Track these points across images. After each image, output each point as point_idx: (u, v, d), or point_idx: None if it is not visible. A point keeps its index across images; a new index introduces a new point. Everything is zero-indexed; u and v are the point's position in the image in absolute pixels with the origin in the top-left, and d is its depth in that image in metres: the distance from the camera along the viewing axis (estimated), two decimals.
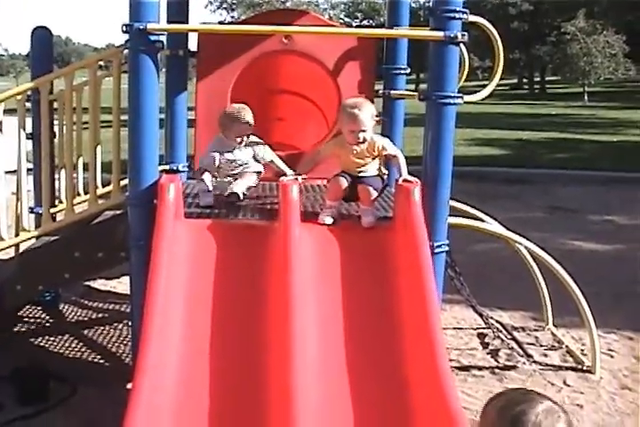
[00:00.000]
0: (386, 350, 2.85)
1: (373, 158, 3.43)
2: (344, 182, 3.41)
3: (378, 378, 2.76)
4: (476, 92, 3.78)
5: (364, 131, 3.33)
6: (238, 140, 3.63)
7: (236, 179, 3.70)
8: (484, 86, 3.82)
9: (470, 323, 5.16)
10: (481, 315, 4.64)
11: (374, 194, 3.41)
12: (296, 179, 3.36)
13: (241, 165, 3.70)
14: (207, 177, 3.64)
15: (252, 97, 4.10)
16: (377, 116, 3.40)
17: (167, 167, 4.11)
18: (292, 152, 4.30)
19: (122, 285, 5.74)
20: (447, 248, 3.51)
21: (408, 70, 4.46)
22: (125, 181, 3.61)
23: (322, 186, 4.03)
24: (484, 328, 4.89)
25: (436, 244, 3.40)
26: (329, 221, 3.36)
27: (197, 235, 3.28)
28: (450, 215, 3.58)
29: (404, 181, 3.34)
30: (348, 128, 3.34)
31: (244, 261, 3.20)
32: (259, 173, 3.76)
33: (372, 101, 4.21)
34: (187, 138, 4.22)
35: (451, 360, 4.36)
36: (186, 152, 4.24)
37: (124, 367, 4.14)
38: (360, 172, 3.44)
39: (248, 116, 3.61)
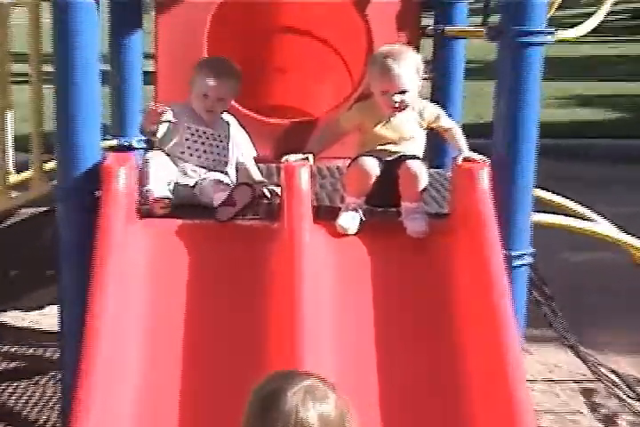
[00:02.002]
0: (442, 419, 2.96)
1: (414, 135, 3.50)
2: (374, 167, 3.40)
3: None
4: (574, 24, 3.84)
5: (403, 92, 3.37)
6: (206, 115, 3.65)
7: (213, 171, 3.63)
8: (587, 16, 3.91)
9: (569, 372, 5.12)
10: (585, 360, 4.62)
11: (424, 183, 3.42)
12: (305, 159, 3.40)
13: (221, 148, 3.69)
14: (158, 162, 3.56)
15: (239, 38, 4.19)
16: (424, 70, 3.47)
17: (114, 143, 4.14)
18: (299, 120, 4.34)
19: (47, 318, 5.59)
20: (531, 260, 3.55)
21: None
22: (51, 164, 3.66)
23: (343, 168, 4.03)
24: (590, 381, 4.87)
25: (514, 253, 3.45)
26: (350, 227, 3.38)
27: (161, 243, 3.33)
28: (534, 211, 3.61)
29: (465, 160, 3.39)
30: (381, 88, 3.40)
31: (231, 280, 3.25)
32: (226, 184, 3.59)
33: (418, 47, 4.28)
34: (142, 100, 4.24)
35: None
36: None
37: None
38: (395, 152, 3.47)
39: (229, 79, 3.62)
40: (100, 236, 3.09)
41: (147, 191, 3.42)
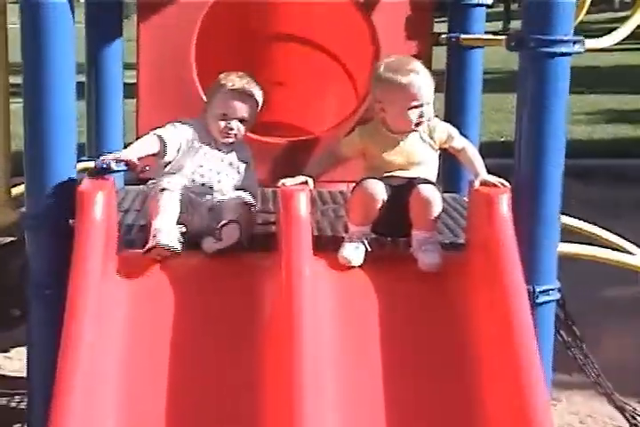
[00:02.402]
0: None
1: (426, 158, 3.47)
2: (380, 192, 3.38)
3: None
4: (605, 32, 3.76)
5: (423, 105, 3.38)
6: (223, 139, 3.58)
7: (212, 210, 3.54)
8: (620, 20, 3.94)
9: (604, 423, 5.07)
10: (623, 410, 4.57)
11: (438, 210, 3.40)
12: (305, 183, 3.38)
13: (237, 178, 3.65)
14: (174, 196, 3.45)
15: (231, 46, 4.20)
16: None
17: (91, 164, 4.00)
18: (298, 139, 4.32)
19: (13, 363, 5.59)
20: (558, 296, 3.54)
21: (490, 0, 4.50)
22: (20, 189, 3.63)
23: (346, 193, 4.08)
24: None
25: (538, 289, 3.43)
26: (355, 258, 3.37)
27: (144, 279, 3.31)
28: (562, 240, 3.60)
29: (483, 184, 3.37)
30: (402, 104, 3.38)
31: (221, 320, 3.23)
32: (250, 205, 3.62)
33: (431, 56, 4.31)
34: (123, 115, 4.23)
35: None
36: (122, 139, 4.24)
37: None
38: (405, 178, 3.45)
39: (256, 95, 3.58)
40: (75, 270, 3.05)
41: (155, 230, 3.33)
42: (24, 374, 3.52)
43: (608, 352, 5.04)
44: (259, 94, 3.58)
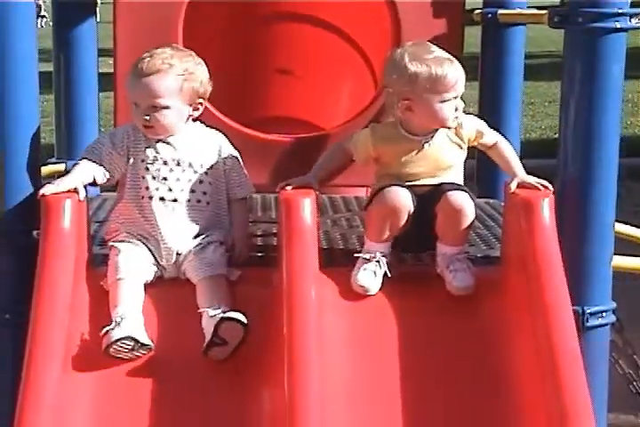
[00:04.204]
0: None
1: (454, 161, 3.44)
2: (406, 203, 3.32)
3: None
4: None
5: (457, 97, 3.33)
6: (148, 135, 3.42)
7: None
8: None
9: None
10: None
11: (469, 220, 3.34)
12: (310, 187, 3.36)
13: (194, 179, 3.47)
14: (131, 255, 3.39)
15: (228, 29, 4.15)
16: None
17: (60, 167, 4.08)
18: (306, 135, 4.25)
19: None
20: (614, 318, 3.52)
21: None
22: None
23: (362, 199, 4.06)
24: None
25: (588, 310, 3.43)
26: (372, 286, 3.31)
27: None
28: (617, 253, 3.56)
29: (522, 186, 3.31)
30: (436, 98, 3.31)
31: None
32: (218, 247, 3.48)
33: (463, 37, 4.25)
34: (98, 110, 4.20)
35: None
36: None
37: None
38: (431, 185, 3.40)
39: (167, 65, 3.35)
40: (38, 290, 3.05)
41: (116, 321, 3.19)
42: None
43: None
44: (179, 67, 3.34)
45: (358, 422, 3.05)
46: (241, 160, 3.51)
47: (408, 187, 3.36)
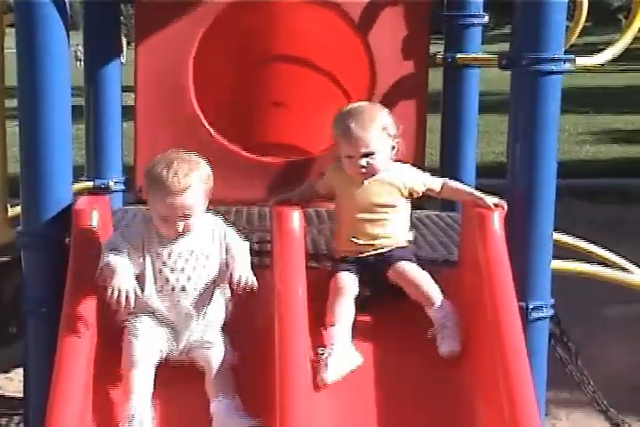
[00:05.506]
0: None
1: (395, 203, 3.56)
2: (350, 286, 3.46)
3: None
4: (597, 51, 3.92)
5: (369, 155, 3.46)
6: (166, 228, 3.31)
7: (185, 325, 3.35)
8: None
9: None
10: (618, 426, 4.70)
11: (428, 281, 3.47)
12: (292, 202, 3.53)
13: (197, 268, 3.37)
14: (144, 360, 3.26)
15: (230, 67, 4.30)
16: (397, 127, 3.55)
17: (89, 184, 4.30)
18: (295, 159, 4.50)
19: (13, 383, 5.73)
20: (552, 312, 3.70)
21: (486, 19, 4.68)
22: (17, 209, 3.76)
23: None
24: None
25: (531, 305, 3.62)
26: (329, 377, 3.27)
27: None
28: (555, 257, 3.76)
29: (474, 203, 3.50)
30: (346, 152, 3.49)
31: None
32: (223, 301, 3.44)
33: (427, 77, 4.40)
34: (121, 137, 4.37)
35: None
36: (120, 160, 4.44)
37: None
38: (376, 247, 3.55)
39: (192, 179, 3.25)
40: (69, 288, 3.19)
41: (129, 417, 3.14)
42: (22, 395, 3.65)
43: (604, 369, 5.21)
44: (196, 178, 3.27)
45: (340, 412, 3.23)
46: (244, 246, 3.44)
47: (355, 246, 3.52)
